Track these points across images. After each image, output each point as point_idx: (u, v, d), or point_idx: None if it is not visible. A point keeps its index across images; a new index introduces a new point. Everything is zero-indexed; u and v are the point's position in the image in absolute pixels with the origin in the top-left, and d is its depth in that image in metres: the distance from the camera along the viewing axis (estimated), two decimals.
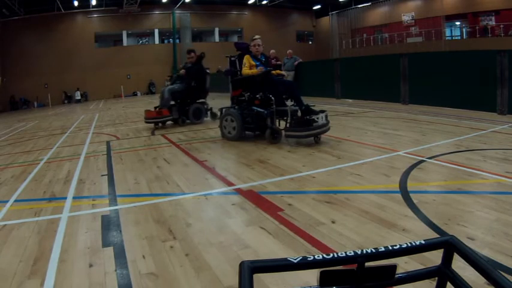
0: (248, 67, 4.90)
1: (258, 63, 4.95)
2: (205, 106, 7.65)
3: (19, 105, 24.83)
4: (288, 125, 4.62)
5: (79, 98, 25.99)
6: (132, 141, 5.92)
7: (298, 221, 2.31)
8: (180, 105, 7.31)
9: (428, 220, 2.20)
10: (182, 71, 7.32)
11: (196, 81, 7.27)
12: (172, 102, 7.30)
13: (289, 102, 4.92)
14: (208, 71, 7.50)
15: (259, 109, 4.79)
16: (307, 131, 4.40)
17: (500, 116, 6.04)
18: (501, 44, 16.24)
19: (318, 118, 4.43)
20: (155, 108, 7.31)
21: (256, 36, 5.12)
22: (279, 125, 5.02)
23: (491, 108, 6.26)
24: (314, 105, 4.77)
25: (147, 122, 7.34)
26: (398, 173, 3.16)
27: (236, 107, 5.17)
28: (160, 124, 7.20)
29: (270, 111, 4.72)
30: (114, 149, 5.34)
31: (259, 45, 5.01)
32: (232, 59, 5.29)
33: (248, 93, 5.00)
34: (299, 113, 4.61)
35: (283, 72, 5.41)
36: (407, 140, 4.53)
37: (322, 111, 4.57)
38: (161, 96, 7.29)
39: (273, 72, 5.06)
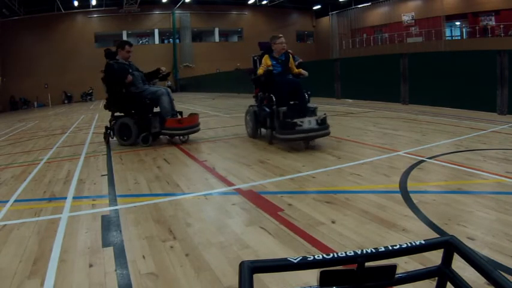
0: (263, 67, 4.87)
1: (274, 62, 4.90)
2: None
3: (19, 105, 24.86)
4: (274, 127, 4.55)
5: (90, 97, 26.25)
6: None
7: (298, 221, 2.31)
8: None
9: (428, 220, 2.20)
10: (164, 68, 5.65)
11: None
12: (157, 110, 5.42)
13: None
14: None
15: (266, 108, 4.76)
16: (288, 134, 4.22)
17: (500, 116, 6.04)
18: (501, 44, 16.25)
19: (302, 122, 4.18)
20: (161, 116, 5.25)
21: (279, 35, 5.04)
22: None
23: (491, 108, 6.26)
24: (316, 107, 4.66)
25: (173, 135, 5.28)
26: (398, 173, 3.16)
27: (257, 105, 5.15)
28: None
29: (269, 111, 4.64)
30: (114, 149, 5.34)
31: (281, 43, 4.92)
32: (255, 58, 5.26)
33: (261, 93, 4.98)
34: (280, 116, 4.46)
35: (303, 72, 5.07)
36: (407, 140, 4.53)
37: (315, 115, 4.42)
38: (164, 98, 5.23)
39: (296, 71, 5.00)
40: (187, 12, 29.41)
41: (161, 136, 5.52)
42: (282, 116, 4.40)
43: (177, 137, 5.39)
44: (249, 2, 30.16)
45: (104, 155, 4.97)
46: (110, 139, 5.69)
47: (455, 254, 0.93)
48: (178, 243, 2.12)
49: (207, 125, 7.21)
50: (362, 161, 3.69)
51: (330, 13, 31.55)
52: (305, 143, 4.47)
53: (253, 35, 29.75)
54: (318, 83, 11.49)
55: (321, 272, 0.85)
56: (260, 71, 4.89)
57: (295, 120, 4.19)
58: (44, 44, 24.86)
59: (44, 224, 2.56)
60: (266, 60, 4.89)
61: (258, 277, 1.57)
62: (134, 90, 5.22)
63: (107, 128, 5.72)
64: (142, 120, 5.24)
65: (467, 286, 0.91)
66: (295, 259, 0.87)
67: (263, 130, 5.15)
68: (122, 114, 5.44)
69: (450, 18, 24.06)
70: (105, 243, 2.17)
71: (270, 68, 4.81)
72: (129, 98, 5.23)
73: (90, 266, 1.92)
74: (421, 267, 1.61)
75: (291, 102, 4.62)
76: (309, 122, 4.20)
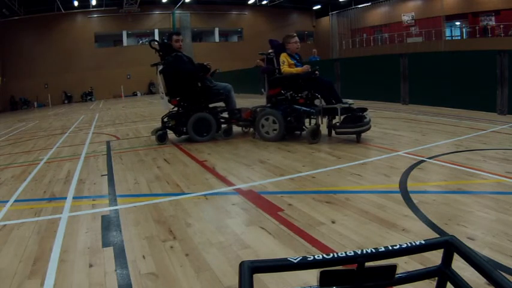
0: (287, 65, 4.80)
1: (295, 61, 4.89)
2: None
3: (19, 105, 24.82)
4: (337, 123, 4.59)
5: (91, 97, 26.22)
6: (132, 141, 5.92)
7: (298, 221, 2.31)
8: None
9: (428, 220, 2.20)
10: (205, 63, 5.42)
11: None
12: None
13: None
14: None
15: (305, 108, 4.70)
16: (358, 127, 4.45)
17: (500, 116, 6.03)
18: (501, 44, 16.24)
19: (366, 115, 4.49)
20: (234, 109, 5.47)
21: (294, 34, 5.06)
22: (310, 123, 5.02)
23: (491, 108, 6.25)
24: (353, 103, 4.70)
25: (248, 126, 5.61)
26: (398, 173, 3.16)
27: (269, 105, 5.02)
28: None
29: (318, 109, 4.66)
30: (114, 149, 5.34)
31: (296, 42, 4.95)
32: (270, 56, 5.01)
33: (291, 92, 4.83)
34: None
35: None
36: (407, 140, 4.53)
37: (365, 109, 4.56)
38: (232, 93, 5.46)
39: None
40: (187, 12, 29.38)
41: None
42: (342, 112, 4.51)
43: (243, 128, 5.73)
44: (249, 2, 30.12)
45: (104, 155, 4.97)
46: (170, 137, 5.37)
47: (455, 254, 0.93)
48: (178, 243, 2.12)
49: None
50: (362, 161, 3.69)
51: (330, 13, 31.53)
52: (359, 136, 4.58)
53: (253, 35, 29.74)
54: None
55: (321, 272, 0.85)
56: (288, 69, 4.76)
57: (364, 114, 4.48)
58: (44, 44, 24.83)
59: (44, 224, 2.56)
60: (287, 58, 4.81)
61: (258, 277, 1.57)
62: (209, 84, 5.22)
63: (168, 127, 5.34)
64: (219, 114, 5.31)
65: (467, 286, 0.91)
66: (295, 259, 0.87)
67: (261, 131, 5.02)
68: (176, 110, 5.26)
69: (450, 18, 24.03)
70: (105, 243, 2.17)
71: (294, 66, 4.79)
72: (207, 92, 5.19)
73: (90, 266, 1.92)
74: (421, 267, 1.61)
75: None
76: (367, 115, 4.53)
